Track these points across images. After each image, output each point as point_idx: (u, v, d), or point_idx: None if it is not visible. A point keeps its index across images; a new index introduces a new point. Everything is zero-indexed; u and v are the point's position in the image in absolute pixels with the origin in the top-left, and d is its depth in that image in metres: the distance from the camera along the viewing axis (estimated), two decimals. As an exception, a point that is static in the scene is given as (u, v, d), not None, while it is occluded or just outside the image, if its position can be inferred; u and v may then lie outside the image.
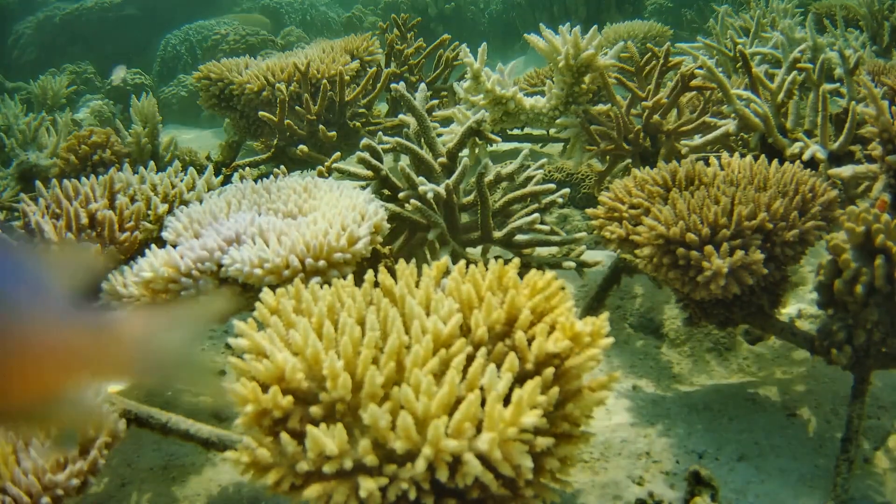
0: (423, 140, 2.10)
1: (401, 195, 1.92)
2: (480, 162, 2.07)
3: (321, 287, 1.26)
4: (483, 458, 0.94)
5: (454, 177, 1.93)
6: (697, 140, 2.24)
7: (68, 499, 1.15)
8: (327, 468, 0.95)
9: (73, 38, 7.20)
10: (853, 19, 3.82)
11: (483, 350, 1.09)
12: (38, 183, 1.88)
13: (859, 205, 1.40)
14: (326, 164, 2.33)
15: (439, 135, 2.27)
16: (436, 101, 3.35)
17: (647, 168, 1.82)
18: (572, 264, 2.00)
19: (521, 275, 1.20)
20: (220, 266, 1.49)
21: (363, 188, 1.90)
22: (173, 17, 7.37)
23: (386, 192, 2.00)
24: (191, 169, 2.08)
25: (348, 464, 0.95)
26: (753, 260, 1.48)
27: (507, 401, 0.99)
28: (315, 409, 1.00)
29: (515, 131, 3.44)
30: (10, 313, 0.57)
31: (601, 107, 2.43)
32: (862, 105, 1.76)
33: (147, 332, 0.66)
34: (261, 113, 2.96)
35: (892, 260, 1.33)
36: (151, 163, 2.21)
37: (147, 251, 1.56)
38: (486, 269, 1.21)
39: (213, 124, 5.71)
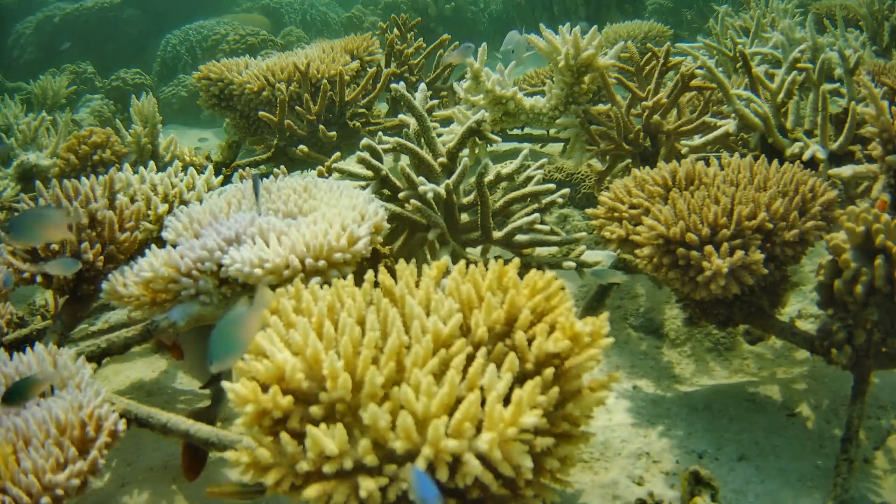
0: (423, 140, 2.10)
1: (401, 195, 1.91)
2: (480, 162, 2.07)
3: (321, 287, 1.26)
4: (483, 458, 0.94)
5: (454, 177, 1.93)
6: (697, 140, 2.24)
7: (68, 499, 1.15)
8: (327, 468, 0.95)
9: (73, 39, 7.20)
10: (853, 19, 3.82)
11: (483, 350, 1.09)
12: (38, 183, 1.88)
13: (859, 205, 1.40)
14: (326, 164, 2.33)
15: (439, 135, 2.27)
16: (436, 101, 3.35)
17: (647, 168, 1.81)
18: (572, 264, 2.00)
19: (521, 275, 1.20)
20: (220, 266, 1.48)
21: (363, 188, 1.90)
22: (174, 17, 7.37)
23: (386, 192, 2.00)
24: (191, 169, 2.08)
25: (348, 464, 0.95)
26: (753, 260, 1.48)
27: (507, 401, 0.99)
28: (315, 409, 1.00)
29: (515, 131, 3.44)
30: None
31: (601, 107, 2.42)
32: (862, 105, 1.76)
33: None
34: (261, 113, 2.96)
35: (892, 260, 1.33)
36: (151, 163, 2.21)
37: (147, 251, 1.56)
38: (486, 270, 1.20)
39: (213, 124, 5.71)
